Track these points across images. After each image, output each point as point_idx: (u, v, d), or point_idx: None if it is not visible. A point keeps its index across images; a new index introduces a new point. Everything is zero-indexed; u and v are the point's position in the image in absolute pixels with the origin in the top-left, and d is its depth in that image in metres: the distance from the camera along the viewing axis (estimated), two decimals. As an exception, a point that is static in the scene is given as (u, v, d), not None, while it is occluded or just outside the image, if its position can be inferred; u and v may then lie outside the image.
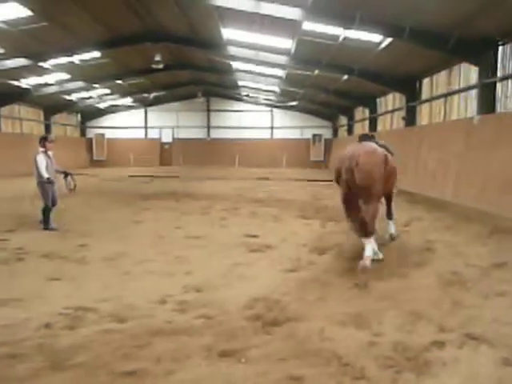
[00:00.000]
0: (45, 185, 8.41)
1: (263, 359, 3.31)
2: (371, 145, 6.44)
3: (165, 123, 37.07)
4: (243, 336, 3.74)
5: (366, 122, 25.02)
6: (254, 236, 7.76)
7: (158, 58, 19.44)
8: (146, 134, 37.64)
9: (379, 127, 23.35)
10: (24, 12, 14.32)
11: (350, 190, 5.95)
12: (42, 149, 8.52)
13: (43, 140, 8.66)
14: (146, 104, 36.10)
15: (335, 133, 35.03)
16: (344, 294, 4.76)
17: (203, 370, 3.18)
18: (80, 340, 3.62)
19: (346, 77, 19.20)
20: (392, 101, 21.20)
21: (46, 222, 8.43)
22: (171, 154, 37.16)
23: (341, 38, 14.17)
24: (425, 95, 17.21)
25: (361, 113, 26.88)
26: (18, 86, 23.89)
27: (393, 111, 21.00)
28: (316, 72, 19.26)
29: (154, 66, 20.19)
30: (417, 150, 15.38)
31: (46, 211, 8.46)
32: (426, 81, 17.13)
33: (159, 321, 4.03)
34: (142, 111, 37.39)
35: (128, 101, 34.48)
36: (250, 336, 3.74)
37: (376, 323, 3.96)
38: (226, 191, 15.50)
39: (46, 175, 8.35)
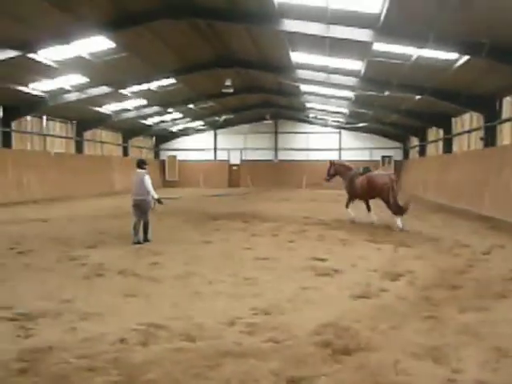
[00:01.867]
0: (150, 203, 9.37)
1: (334, 389, 3.19)
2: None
3: (233, 145, 38.04)
4: (312, 363, 3.65)
5: (440, 143, 23.95)
6: (322, 260, 7.63)
7: (228, 82, 20.10)
8: (215, 156, 38.79)
9: (454, 148, 22.24)
10: (108, 44, 15.51)
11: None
12: (145, 170, 9.43)
13: (143, 163, 9.63)
14: (216, 127, 37.32)
15: (406, 154, 33.89)
16: (419, 325, 4.50)
17: (272, 396, 3.12)
18: (152, 356, 3.72)
19: (418, 97, 18.63)
20: (469, 120, 20.15)
21: (146, 235, 9.36)
22: (239, 176, 37.92)
23: (413, 58, 13.81)
24: (506, 114, 16.18)
25: (434, 133, 25.81)
26: (101, 112, 25.78)
27: (470, 131, 19.94)
28: (386, 93, 18.87)
29: (224, 91, 20.88)
30: (497, 172, 14.41)
31: (147, 226, 9.36)
32: (506, 99, 16.13)
33: (228, 342, 4.05)
34: (211, 134, 38.70)
35: (199, 124, 35.90)
36: (318, 363, 3.64)
37: (455, 359, 3.69)
38: (293, 213, 15.45)
39: (156, 195, 9.38)
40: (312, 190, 31.44)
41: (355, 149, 35.56)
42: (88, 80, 19.52)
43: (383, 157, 34.80)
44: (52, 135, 25.23)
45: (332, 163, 14.28)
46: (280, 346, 3.97)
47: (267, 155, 37.67)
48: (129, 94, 23.02)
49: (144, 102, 25.51)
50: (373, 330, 4.34)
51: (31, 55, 15.23)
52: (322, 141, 36.49)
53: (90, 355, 3.73)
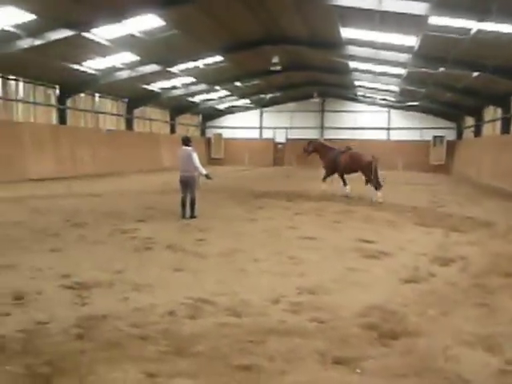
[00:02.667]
0: (196, 179, 9.63)
1: (380, 373, 3.16)
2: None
3: (279, 124, 37.74)
4: (357, 345, 3.63)
5: (498, 123, 22.67)
6: (369, 241, 7.50)
7: (275, 60, 19.85)
8: (260, 134, 38.72)
9: (514, 128, 21.00)
10: (158, 22, 15.66)
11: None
12: (191, 148, 9.60)
13: (188, 140, 9.76)
14: (262, 105, 37.12)
15: (459, 135, 32.37)
16: (471, 312, 4.35)
17: (317, 375, 3.14)
18: (200, 330, 3.83)
19: (476, 74, 17.62)
20: (531, 99, 18.92)
21: (192, 211, 9.57)
22: (284, 155, 37.72)
23: (472, 32, 13.01)
24: None
25: (491, 113, 24.44)
26: (150, 90, 26.26)
27: (531, 111, 18.74)
28: (441, 69, 17.97)
29: (271, 68, 20.66)
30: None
31: (194, 202, 9.56)
32: None
33: (273, 320, 4.09)
34: (257, 112, 38.54)
35: (245, 102, 35.82)
36: (364, 346, 3.62)
37: (509, 348, 3.55)
38: (339, 193, 15.24)
39: (204, 171, 9.60)
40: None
41: (405, 128, 34.35)
42: (138, 58, 19.88)
43: (435, 137, 33.41)
44: (104, 112, 26.03)
45: (310, 142, 16.29)
46: (325, 326, 3.97)
47: (313, 134, 37.09)
48: (177, 72, 23.24)
49: (192, 79, 25.71)
50: (421, 315, 4.25)
51: (85, 34, 15.66)
52: (370, 120, 35.48)
53: (142, 325, 3.89)
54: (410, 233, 8.50)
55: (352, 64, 22.28)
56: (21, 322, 3.86)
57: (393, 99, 31.23)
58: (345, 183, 14.73)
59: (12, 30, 14.86)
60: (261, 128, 38.69)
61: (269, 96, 33.73)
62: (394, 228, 9.03)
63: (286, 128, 37.58)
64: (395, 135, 34.90)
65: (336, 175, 15.15)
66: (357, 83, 28.07)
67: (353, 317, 4.19)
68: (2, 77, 19.41)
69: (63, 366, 3.15)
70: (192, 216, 9.56)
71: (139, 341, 3.60)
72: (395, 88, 26.88)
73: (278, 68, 20.54)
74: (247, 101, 35.44)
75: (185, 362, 3.29)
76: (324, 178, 15.22)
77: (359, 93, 31.86)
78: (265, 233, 8.16)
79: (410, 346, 3.58)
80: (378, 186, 13.39)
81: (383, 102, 33.37)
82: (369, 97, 32.80)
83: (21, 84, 20.52)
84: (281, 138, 38.05)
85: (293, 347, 3.55)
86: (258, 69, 24.95)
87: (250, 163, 36.24)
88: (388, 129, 35.37)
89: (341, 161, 14.43)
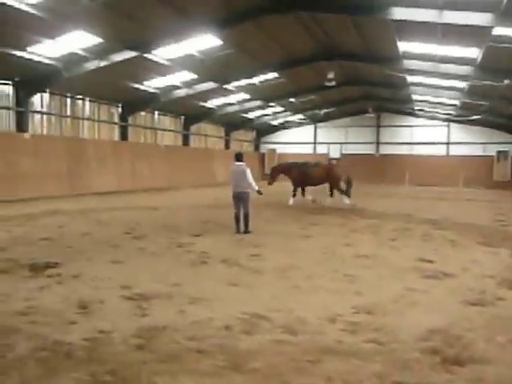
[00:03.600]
0: (250, 195, 9.75)
1: (445, 401, 3.00)
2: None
3: (333, 139, 37.41)
4: (419, 370, 3.47)
5: None
6: (429, 261, 7.20)
7: (330, 75, 19.78)
8: (314, 150, 38.54)
9: None
10: (215, 42, 16.15)
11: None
12: (244, 163, 9.80)
13: (241, 156, 9.93)
14: (316, 120, 37.02)
15: (526, 149, 30.52)
16: (545, 341, 4.04)
17: (376, 400, 3.03)
18: (256, 346, 3.82)
19: (545, 85, 16.63)
20: None
21: (246, 226, 9.69)
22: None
23: (541, 42, 12.33)
24: None
25: None
26: (206, 107, 27.02)
27: None
28: (506, 82, 17.11)
29: (326, 84, 20.60)
30: None
31: (247, 217, 9.68)
32: None
33: (329, 339, 4.01)
34: (311, 127, 38.45)
35: (299, 117, 35.90)
36: (426, 371, 3.45)
37: None
38: (395, 210, 14.81)
39: (256, 187, 9.80)
40: (415, 187, 29.83)
41: (466, 143, 32.86)
42: (196, 76, 20.54)
43: (499, 152, 31.70)
44: (162, 129, 27.05)
45: (274, 168, 17.54)
46: (383, 349, 3.84)
47: (368, 149, 36.48)
48: (233, 89, 23.77)
49: (247, 96, 26.16)
50: (488, 341, 4.00)
51: (147, 55, 16.43)
52: (428, 134, 34.27)
53: (199, 338, 3.95)
54: (473, 253, 8.06)
55: (409, 78, 21.76)
56: (85, 331, 4.04)
57: (453, 113, 30.08)
58: (304, 194, 16.55)
59: (80, 52, 15.89)
60: (315, 143, 38.52)
61: (323, 111, 33.60)
62: (455, 247, 8.61)
63: (341, 143, 37.16)
64: (455, 150, 33.49)
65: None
66: (414, 97, 27.34)
67: (413, 340, 4.02)
68: (71, 97, 20.73)
69: (125, 375, 3.26)
70: (246, 231, 9.65)
71: (196, 354, 3.65)
72: (455, 101, 25.89)
73: (333, 83, 20.45)
74: (301, 116, 35.49)
75: (241, 377, 3.29)
76: (301, 193, 16.61)
77: (416, 107, 30.96)
78: (319, 250, 8.06)
79: (478, 373, 3.38)
80: (346, 194, 15.69)
81: (442, 116, 32.22)
82: (427, 111, 31.79)
83: (87, 103, 21.80)
84: (335, 153, 37.66)
85: (351, 369, 3.46)
86: (313, 84, 24.98)
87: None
88: (447, 143, 34.03)
89: (313, 174, 16.00)
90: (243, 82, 22.51)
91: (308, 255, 7.58)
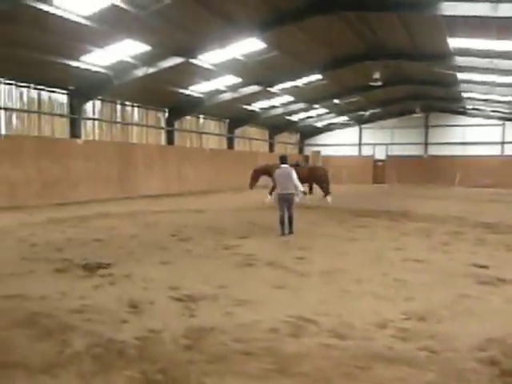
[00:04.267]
0: (294, 196, 9.85)
1: (505, 415, 2.84)
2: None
3: (379, 140, 36.65)
4: (476, 381, 3.31)
5: None
6: (484, 266, 6.86)
7: (376, 75, 19.37)
8: (359, 151, 37.90)
9: None
10: (260, 45, 16.25)
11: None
12: (288, 165, 10.03)
13: (286, 159, 10.13)
14: (361, 122, 36.40)
15: None
16: None
17: (430, 410, 2.92)
18: (303, 349, 3.78)
19: None
20: None
21: (291, 227, 9.73)
22: (384, 172, 36.43)
23: None
24: None
25: None
26: (250, 110, 27.20)
27: None
28: None
29: (372, 84, 20.20)
30: None
31: (292, 219, 9.74)
32: None
33: (379, 345, 3.91)
34: (356, 129, 37.86)
35: (344, 119, 35.44)
36: (484, 383, 3.28)
37: None
38: (446, 213, 14.26)
39: (302, 188, 10.06)
40: (467, 189, 28.65)
41: (523, 142, 31.25)
42: (240, 80, 20.74)
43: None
44: (207, 133, 27.49)
45: (256, 170, 17.65)
46: (437, 357, 3.69)
47: (415, 150, 35.42)
48: (277, 92, 23.80)
49: (291, 98, 26.12)
50: (553, 352, 3.76)
51: (193, 60, 16.76)
52: (481, 134, 32.84)
53: (245, 340, 3.96)
54: (533, 258, 7.62)
55: (460, 75, 20.94)
56: (137, 330, 4.15)
57: (508, 111, 28.65)
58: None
59: (130, 60, 16.44)
60: (360, 145, 37.88)
61: (368, 112, 32.99)
62: (511, 252, 8.18)
63: (387, 144, 36.33)
64: (511, 150, 31.92)
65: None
66: (465, 95, 26.28)
67: (469, 349, 3.84)
68: (121, 103, 21.49)
69: (175, 375, 3.31)
70: (290, 232, 9.69)
71: (243, 356, 3.66)
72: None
73: (379, 83, 20.01)
74: (346, 118, 35.02)
75: (288, 381, 3.27)
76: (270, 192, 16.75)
77: (468, 106, 29.75)
78: (367, 253, 7.89)
79: (540, 388, 3.18)
80: (328, 192, 16.72)
81: (496, 114, 30.75)
82: (479, 109, 30.47)
83: (135, 109, 22.53)
84: (381, 154, 36.86)
85: (402, 376, 3.35)
86: (358, 85, 24.59)
87: (349, 181, 35.56)
88: (502, 143, 32.45)
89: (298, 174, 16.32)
90: (287, 84, 22.50)
91: (355, 259, 7.44)
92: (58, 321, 4.32)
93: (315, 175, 16.90)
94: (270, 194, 16.65)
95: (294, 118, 32.40)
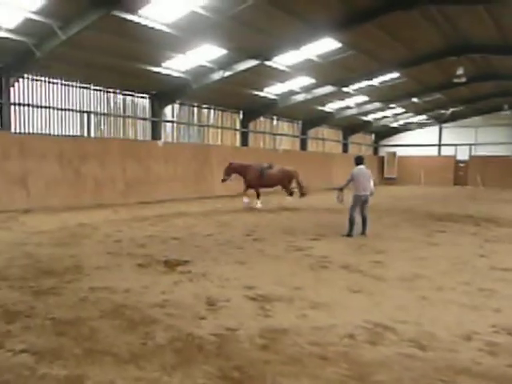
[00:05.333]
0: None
1: None
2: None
3: (461, 140, 34.51)
4: None
5: None
6: None
7: (460, 71, 18.32)
8: (439, 152, 36.00)
9: None
10: (335, 45, 16.02)
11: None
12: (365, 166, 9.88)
13: (362, 160, 9.92)
14: (441, 121, 34.58)
15: None
16: None
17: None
18: (381, 358, 3.66)
19: None
20: None
21: (365, 228, 9.76)
22: (467, 174, 34.27)
23: None
24: None
25: None
26: (324, 111, 26.92)
27: None
28: None
29: (455, 81, 19.13)
30: None
31: (366, 220, 9.76)
32: None
33: (464, 359, 3.67)
34: (435, 128, 36.04)
35: (422, 118, 33.88)
36: None
37: None
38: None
39: (374, 190, 9.99)
40: None
41: None
42: (314, 81, 20.61)
43: None
44: (281, 134, 27.63)
45: (229, 166, 15.81)
46: (532, 376, 3.39)
47: (502, 150, 32.90)
48: (351, 92, 23.34)
49: (366, 98, 25.48)
50: None
51: (267, 62, 16.94)
52: None
53: (321, 344, 3.91)
54: None
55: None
56: (214, 326, 4.26)
57: None
58: (259, 196, 15.78)
59: (207, 64, 16.99)
60: (439, 145, 35.96)
61: (450, 111, 31.26)
62: None
63: (470, 144, 34.12)
64: None
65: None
66: None
67: None
68: (198, 106, 22.27)
69: (251, 373, 3.35)
70: (363, 233, 9.65)
71: (319, 360, 3.62)
72: None
73: (463, 80, 18.90)
74: (424, 117, 33.48)
75: (367, 389, 3.18)
76: (244, 192, 15.82)
77: None
78: (448, 259, 7.46)
79: None
80: (303, 194, 16.11)
81: None
82: None
83: (211, 111, 23.23)
84: (463, 155, 34.71)
85: (491, 394, 3.12)
86: (438, 82, 23.42)
87: (427, 183, 33.95)
88: None
89: (270, 176, 15.50)
90: (363, 83, 21.98)
91: (435, 265, 7.06)
92: (142, 314, 4.56)
93: (288, 177, 16.08)
94: (245, 194, 15.58)
95: (369, 118, 31.59)
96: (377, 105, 27.26)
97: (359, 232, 9.68)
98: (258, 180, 15.51)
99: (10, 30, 12.62)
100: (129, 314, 4.53)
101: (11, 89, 15.21)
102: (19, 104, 15.60)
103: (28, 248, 7.93)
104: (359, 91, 23.67)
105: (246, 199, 15.37)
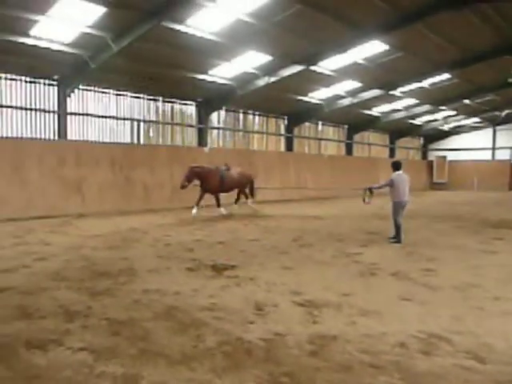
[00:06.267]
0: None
1: None
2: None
3: (517, 143, 32.86)
4: None
5: None
6: None
7: (516, 71, 17.47)
8: (493, 156, 34.40)
9: None
10: (382, 47, 15.74)
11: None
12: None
13: (401, 165, 9.73)
14: (495, 123, 33.04)
15: None
16: None
17: None
18: (436, 369, 3.53)
19: None
20: None
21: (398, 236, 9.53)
22: (524, 178, 32.53)
23: None
24: None
25: None
26: (370, 115, 26.46)
27: None
28: None
29: (510, 81, 18.26)
30: None
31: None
32: None
33: (528, 373, 3.48)
34: (488, 131, 34.47)
35: (474, 121, 32.54)
36: None
37: None
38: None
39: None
40: None
41: None
42: (361, 84, 20.31)
43: None
44: (326, 139, 27.40)
45: (192, 169, 13.98)
46: None
47: None
48: (399, 95, 22.82)
49: (414, 101, 24.82)
50: None
51: (313, 67, 16.88)
52: None
53: (372, 352, 3.83)
54: None
55: None
56: (262, 331, 4.28)
57: None
58: (219, 204, 14.58)
59: (252, 71, 17.16)
60: (493, 149, 34.36)
61: (504, 112, 29.82)
62: None
63: (527, 148, 32.38)
64: None
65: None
66: None
67: None
68: (243, 112, 22.52)
69: (301, 379, 3.34)
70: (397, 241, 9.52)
71: (370, 368, 3.55)
72: None
73: (519, 80, 18.01)
74: (477, 119, 32.12)
75: (422, 401, 3.08)
76: (197, 202, 14.18)
77: None
78: (506, 268, 7.10)
79: None
80: (253, 196, 15.57)
81: None
82: None
83: (256, 117, 23.40)
84: (520, 159, 32.99)
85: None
86: (492, 83, 22.43)
87: (480, 188, 32.50)
88: None
89: (229, 179, 14.38)
90: (411, 86, 21.44)
91: (492, 274, 6.74)
92: (192, 316, 4.65)
93: (246, 180, 15.15)
94: (198, 205, 14.10)
95: (418, 121, 30.70)
96: (426, 107, 26.45)
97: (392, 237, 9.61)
98: (219, 185, 14.21)
99: (67, 44, 13.32)
100: (180, 317, 4.63)
101: (67, 99, 16.02)
102: (74, 113, 16.39)
103: (83, 251, 8.29)
104: (408, 94, 23.08)
105: (194, 210, 13.80)
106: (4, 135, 14.70)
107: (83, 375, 3.37)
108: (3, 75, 14.78)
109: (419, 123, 31.37)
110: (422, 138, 37.01)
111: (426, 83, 21.30)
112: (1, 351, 3.75)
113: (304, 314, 4.83)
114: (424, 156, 37.58)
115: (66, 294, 5.44)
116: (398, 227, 9.48)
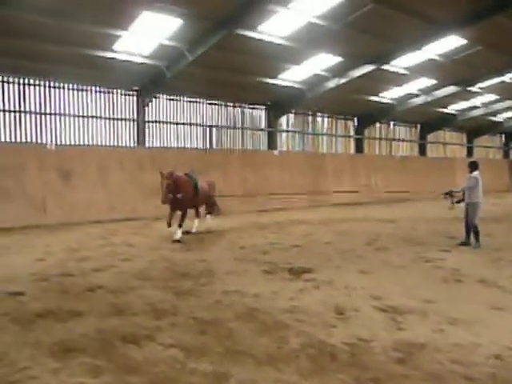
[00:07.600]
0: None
1: None
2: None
3: None
4: None
5: None
6: None
7: None
8: None
9: None
10: (458, 42, 14.97)
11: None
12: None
13: (477, 165, 9.33)
14: None
15: None
16: None
17: None
18: (538, 384, 3.31)
19: None
20: None
21: (468, 238, 9.23)
22: None
23: None
24: None
25: None
26: (445, 113, 25.23)
27: None
28: None
29: None
30: None
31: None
32: None
33: None
34: None
35: None
36: None
37: None
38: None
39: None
40: None
41: None
42: (435, 81, 19.47)
43: None
44: (397, 139, 26.51)
45: (171, 175, 9.88)
46: None
47: None
48: (478, 90, 21.54)
49: (495, 96, 23.30)
50: None
51: (384, 66, 16.44)
52: None
53: (463, 362, 3.66)
54: None
55: None
56: (345, 335, 4.25)
57: None
58: (199, 216, 11.81)
59: (322, 73, 17.05)
60: None
61: None
62: None
63: None
64: None
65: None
66: None
67: None
68: (312, 114, 22.43)
69: (390, 386, 3.28)
70: (469, 243, 9.22)
71: (463, 380, 3.40)
72: None
73: None
74: None
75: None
76: (183, 220, 10.31)
77: None
78: None
79: None
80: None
81: None
82: None
83: (325, 119, 23.20)
84: None
85: None
86: None
87: None
88: None
89: (204, 190, 11.29)
90: (491, 81, 20.15)
91: None
92: (273, 318, 4.72)
93: (213, 190, 12.26)
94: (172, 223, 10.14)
95: (499, 118, 28.76)
96: (508, 103, 24.72)
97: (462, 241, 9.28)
98: (192, 198, 10.76)
99: (146, 56, 14.08)
100: (262, 318, 4.72)
101: (146, 108, 16.92)
102: (151, 121, 17.26)
103: (163, 252, 8.70)
104: (487, 89, 21.72)
105: (173, 228, 10.11)
106: (89, 143, 15.82)
107: (176, 371, 3.55)
108: (90, 88, 15.95)
109: (501, 120, 29.38)
110: (503, 136, 34.62)
111: (507, 77, 19.92)
112: (101, 345, 4.05)
113: (387, 319, 4.73)
114: (506, 155, 35.11)
115: (153, 293, 5.74)
116: (477, 230, 9.06)
